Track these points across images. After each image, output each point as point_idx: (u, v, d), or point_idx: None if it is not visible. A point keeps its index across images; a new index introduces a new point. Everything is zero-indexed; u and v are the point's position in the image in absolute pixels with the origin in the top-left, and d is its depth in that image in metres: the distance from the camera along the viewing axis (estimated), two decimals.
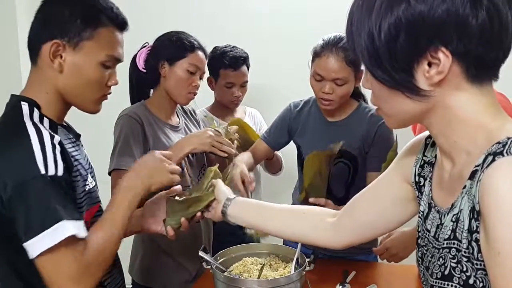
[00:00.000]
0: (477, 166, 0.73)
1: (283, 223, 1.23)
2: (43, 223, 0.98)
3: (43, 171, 0.99)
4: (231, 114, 2.37)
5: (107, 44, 1.16)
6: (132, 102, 1.90)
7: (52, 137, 1.05)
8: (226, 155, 1.77)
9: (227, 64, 2.20)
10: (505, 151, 0.69)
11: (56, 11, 1.13)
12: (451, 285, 0.79)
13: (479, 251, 0.72)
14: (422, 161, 0.95)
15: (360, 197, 1.11)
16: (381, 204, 1.05)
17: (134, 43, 1.85)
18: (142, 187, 1.20)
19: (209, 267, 1.47)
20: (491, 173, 0.68)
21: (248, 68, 2.27)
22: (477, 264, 0.73)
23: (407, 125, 0.86)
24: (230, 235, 1.87)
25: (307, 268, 1.45)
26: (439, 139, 0.82)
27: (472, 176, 0.74)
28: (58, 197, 1.00)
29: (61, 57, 1.12)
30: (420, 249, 0.93)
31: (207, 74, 2.20)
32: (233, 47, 2.25)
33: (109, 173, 1.70)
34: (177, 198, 1.34)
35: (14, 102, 1.12)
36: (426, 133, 0.95)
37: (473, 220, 0.73)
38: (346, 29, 0.81)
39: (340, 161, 1.83)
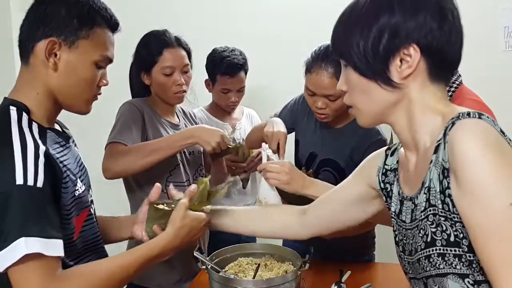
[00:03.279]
0: (439, 140, 0.86)
1: (254, 226, 1.43)
2: (6, 238, 0.96)
3: (20, 182, 0.98)
4: (229, 114, 2.37)
5: (101, 44, 1.17)
6: (132, 97, 1.93)
7: (37, 147, 1.04)
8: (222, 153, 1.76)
9: (224, 72, 2.19)
10: (460, 117, 0.84)
11: (52, 10, 1.13)
12: (436, 249, 0.88)
13: (454, 205, 0.82)
14: (384, 169, 1.10)
15: (326, 197, 1.30)
16: (344, 203, 1.24)
17: (132, 43, 1.86)
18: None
19: (204, 267, 1.47)
20: (454, 132, 0.82)
21: (246, 72, 2.26)
22: (454, 218, 0.83)
23: (378, 122, 0.99)
24: (225, 235, 1.86)
25: (303, 268, 1.45)
26: (403, 134, 0.97)
27: (436, 150, 0.87)
28: (31, 210, 0.99)
29: (56, 55, 1.13)
30: (400, 244, 1.02)
31: (201, 74, 2.21)
32: (231, 50, 2.23)
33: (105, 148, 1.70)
34: (159, 206, 1.31)
35: (4, 107, 1.11)
36: (384, 148, 1.14)
37: (443, 180, 0.84)
38: (334, 35, 0.98)
39: (327, 170, 1.82)
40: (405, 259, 1.00)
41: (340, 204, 1.24)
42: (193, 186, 1.31)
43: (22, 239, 0.96)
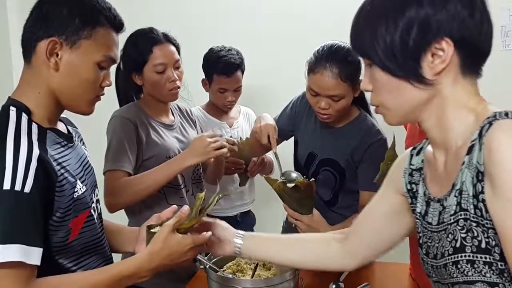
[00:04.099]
0: (473, 141, 0.82)
1: (292, 255, 1.27)
2: None
3: (7, 187, 0.98)
4: (226, 114, 2.37)
5: (104, 44, 1.15)
6: (120, 105, 1.88)
7: (30, 151, 1.02)
8: (226, 152, 1.76)
9: (220, 71, 2.19)
10: (497, 117, 0.80)
11: (54, 9, 1.12)
12: (465, 256, 0.83)
13: (487, 211, 0.78)
14: (410, 169, 1.04)
15: (363, 216, 1.18)
16: (382, 218, 1.12)
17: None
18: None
19: (202, 266, 1.47)
20: (492, 132, 0.78)
21: (243, 72, 2.25)
22: (486, 224, 0.79)
23: (407, 120, 0.96)
24: None
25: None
26: (433, 132, 0.92)
27: (470, 151, 0.82)
28: (13, 216, 0.98)
29: (58, 55, 1.11)
30: (423, 247, 0.97)
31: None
32: (228, 50, 2.23)
33: (104, 173, 1.70)
34: (153, 229, 1.26)
35: (5, 107, 1.11)
36: (409, 149, 1.07)
37: (477, 184, 0.80)
38: (354, 32, 0.92)
39: (327, 170, 1.82)
40: (429, 263, 0.95)
41: (379, 220, 1.13)
42: (186, 208, 1.23)
43: (0, 246, 0.96)
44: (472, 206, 0.81)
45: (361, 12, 0.91)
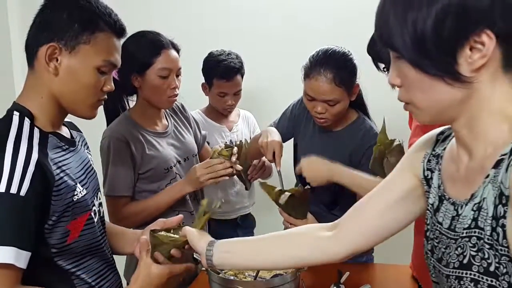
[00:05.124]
0: (504, 155, 0.75)
1: (276, 256, 1.14)
2: None
3: (2, 190, 0.99)
4: (225, 117, 2.38)
5: (103, 49, 1.16)
6: (106, 109, 1.83)
7: (28, 155, 1.04)
8: (226, 176, 1.80)
9: (220, 75, 2.20)
10: None
11: (55, 14, 1.13)
12: (470, 274, 0.78)
13: (504, 236, 0.72)
14: (431, 155, 0.95)
15: (366, 200, 1.06)
16: (390, 202, 1.01)
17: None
18: None
19: (204, 268, 1.47)
20: None
21: (242, 76, 2.26)
22: (501, 250, 0.74)
23: (439, 120, 0.85)
24: (225, 236, 1.87)
25: (302, 269, 1.46)
26: (462, 131, 0.83)
27: (497, 165, 0.75)
28: (8, 218, 1.00)
29: (57, 60, 1.12)
30: (429, 242, 0.92)
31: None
32: (228, 54, 2.23)
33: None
34: (159, 233, 1.26)
35: (9, 112, 1.12)
36: (437, 130, 0.97)
37: (499, 206, 0.73)
38: (379, 18, 0.82)
39: None
40: (432, 261, 0.91)
41: (386, 202, 1.01)
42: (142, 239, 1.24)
43: None
44: (489, 228, 0.75)
45: (384, 4, 0.81)
